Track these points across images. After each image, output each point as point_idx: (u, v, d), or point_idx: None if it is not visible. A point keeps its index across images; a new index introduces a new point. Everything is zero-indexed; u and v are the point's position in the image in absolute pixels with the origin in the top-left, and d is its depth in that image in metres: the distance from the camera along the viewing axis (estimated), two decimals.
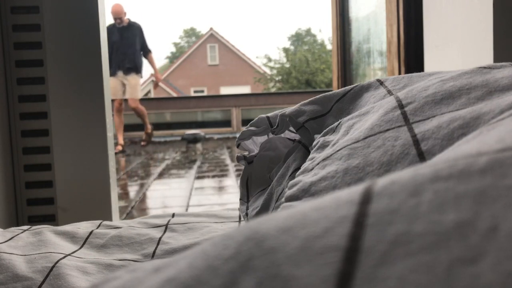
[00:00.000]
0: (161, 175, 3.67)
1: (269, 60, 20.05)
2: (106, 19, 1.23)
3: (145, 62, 4.98)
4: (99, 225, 0.63)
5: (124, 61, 4.67)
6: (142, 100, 5.39)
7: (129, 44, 4.71)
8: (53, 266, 0.48)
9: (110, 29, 4.52)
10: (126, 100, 5.14)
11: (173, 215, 0.68)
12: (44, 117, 1.15)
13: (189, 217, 0.66)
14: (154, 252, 0.54)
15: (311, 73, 17.73)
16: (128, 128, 5.60)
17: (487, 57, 0.96)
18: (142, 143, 5.66)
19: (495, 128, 0.23)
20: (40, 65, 1.14)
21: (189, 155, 5.14)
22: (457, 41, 1.08)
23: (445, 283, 0.12)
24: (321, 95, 0.47)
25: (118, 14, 4.66)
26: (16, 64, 1.14)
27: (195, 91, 20.48)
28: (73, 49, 1.15)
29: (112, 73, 4.44)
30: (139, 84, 4.97)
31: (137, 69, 4.80)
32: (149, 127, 5.56)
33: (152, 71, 5.29)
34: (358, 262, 0.13)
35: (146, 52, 4.92)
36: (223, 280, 0.13)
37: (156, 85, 5.51)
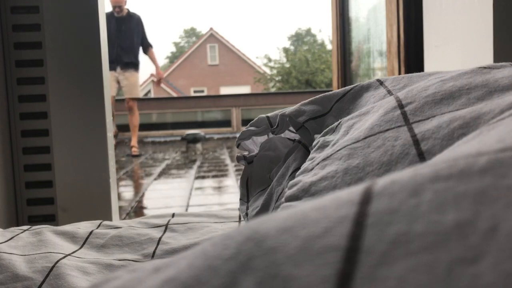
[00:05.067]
0: (161, 175, 3.67)
1: (269, 60, 20.06)
2: (105, 19, 1.23)
3: (142, 59, 4.61)
4: (99, 225, 0.63)
5: (121, 56, 4.26)
6: (142, 100, 5.12)
7: (127, 37, 4.29)
8: (53, 266, 0.48)
9: (108, 18, 3.83)
10: (120, 100, 4.88)
11: (173, 215, 0.68)
12: (44, 117, 1.16)
13: (189, 217, 0.66)
14: (154, 252, 0.54)
15: (311, 73, 17.72)
16: (127, 128, 5.48)
17: (487, 57, 0.96)
18: (133, 151, 4.92)
19: (495, 128, 0.23)
20: (40, 65, 1.14)
21: (189, 155, 5.14)
22: (457, 41, 1.08)
23: (445, 283, 0.12)
24: (321, 95, 0.47)
25: (118, 2, 4.24)
26: (16, 64, 1.14)
27: (195, 91, 20.48)
28: (73, 49, 1.15)
29: (110, 68, 4.06)
30: (138, 82, 4.56)
31: (135, 65, 4.38)
32: (135, 148, 4.86)
33: (152, 68, 4.91)
34: (358, 262, 0.13)
35: (146, 46, 4.45)
36: (223, 280, 0.13)
37: (158, 82, 4.99)
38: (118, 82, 4.37)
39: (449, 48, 1.13)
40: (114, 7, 4.28)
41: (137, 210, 2.50)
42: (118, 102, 4.94)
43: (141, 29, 4.42)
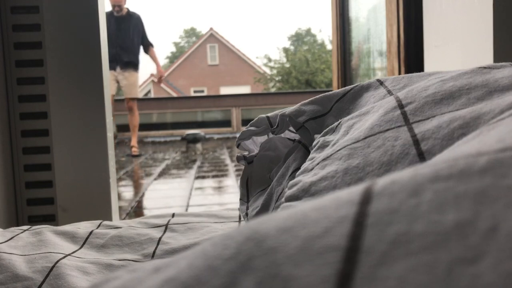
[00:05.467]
0: (161, 175, 3.67)
1: (269, 60, 20.06)
2: (105, 19, 1.23)
3: (142, 59, 4.44)
4: (99, 225, 0.63)
5: (121, 55, 4.20)
6: (142, 100, 5.07)
7: (127, 36, 4.23)
8: (53, 266, 0.48)
9: (107, 17, 3.73)
10: (119, 100, 4.83)
11: (173, 215, 0.68)
12: (44, 117, 1.16)
13: (189, 217, 0.66)
14: (154, 252, 0.54)
15: (311, 73, 17.73)
16: (127, 128, 5.46)
17: (487, 57, 0.96)
18: (133, 151, 4.91)
19: (495, 128, 0.23)
20: (40, 65, 1.14)
21: (189, 155, 5.14)
22: (457, 41, 1.08)
23: (445, 283, 0.12)
24: (321, 95, 0.47)
25: (117, 2, 4.18)
26: (16, 64, 1.14)
27: (195, 91, 20.49)
28: (73, 49, 1.15)
29: (110, 67, 3.92)
30: (138, 82, 4.49)
31: (135, 65, 4.30)
32: (135, 148, 4.83)
33: (153, 70, 4.87)
34: (358, 262, 0.13)
35: (147, 46, 4.38)
36: (223, 280, 0.13)
37: (159, 81, 4.96)
38: (118, 81, 4.31)
39: (449, 48, 1.13)
40: (113, 6, 4.22)
41: (137, 210, 2.50)
42: (118, 102, 4.92)
43: (141, 28, 4.36)
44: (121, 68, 4.26)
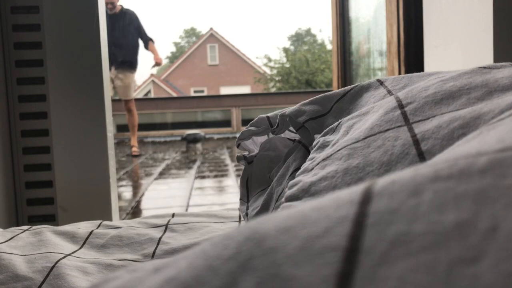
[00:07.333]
0: (161, 175, 3.67)
1: (269, 60, 20.05)
2: (105, 19, 1.23)
3: (141, 59, 4.43)
4: (99, 225, 0.63)
5: (115, 54, 4.01)
6: (142, 100, 4.99)
7: (122, 35, 4.07)
8: (53, 266, 0.48)
9: None
10: (115, 100, 4.77)
11: (173, 215, 0.68)
12: (44, 117, 1.15)
13: (189, 217, 0.66)
14: (154, 252, 0.54)
15: (311, 73, 17.73)
16: (126, 128, 5.45)
17: (487, 57, 0.96)
18: (133, 151, 4.85)
19: (495, 128, 0.23)
20: (40, 65, 1.14)
21: (189, 155, 5.14)
22: (457, 41, 1.08)
23: (445, 283, 0.12)
24: (321, 95, 0.47)
25: None
26: (16, 64, 1.14)
27: (195, 91, 20.49)
28: (73, 49, 1.15)
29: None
30: (133, 83, 4.33)
31: (132, 64, 4.15)
32: (135, 148, 4.76)
33: (153, 70, 4.72)
34: (358, 262, 0.13)
35: (146, 41, 4.19)
36: (223, 280, 0.13)
37: (156, 65, 4.67)
38: (112, 81, 4.15)
39: (449, 48, 1.13)
40: (106, 3, 4.03)
41: (137, 210, 2.50)
42: (116, 102, 4.87)
43: (137, 25, 4.20)
44: (116, 69, 4.10)
